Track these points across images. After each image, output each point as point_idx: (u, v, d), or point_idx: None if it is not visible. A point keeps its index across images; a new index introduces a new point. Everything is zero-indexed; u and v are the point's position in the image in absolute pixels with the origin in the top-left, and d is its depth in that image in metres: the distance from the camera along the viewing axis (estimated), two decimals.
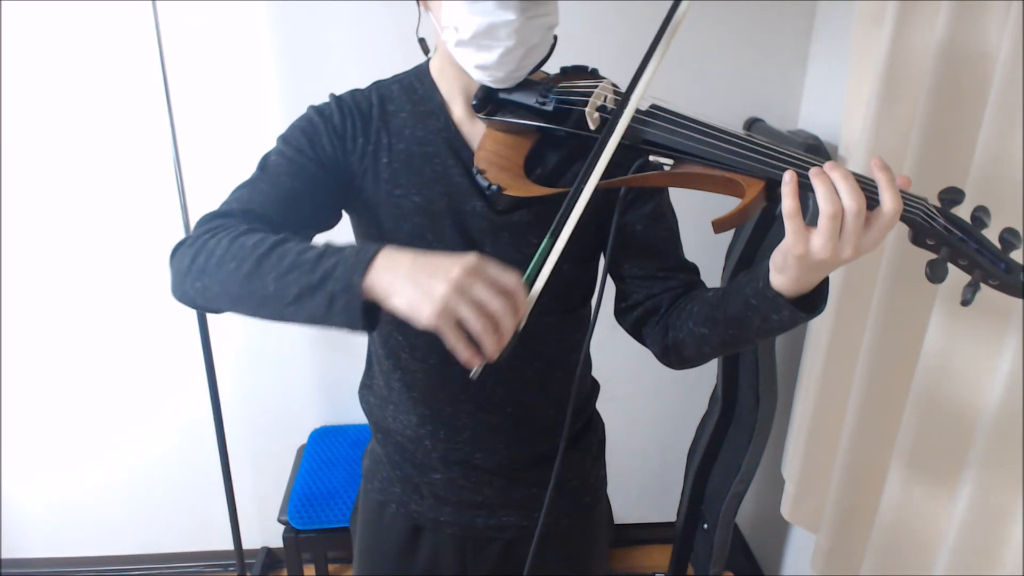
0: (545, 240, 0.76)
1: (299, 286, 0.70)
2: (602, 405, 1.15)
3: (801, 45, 1.78)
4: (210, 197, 0.89)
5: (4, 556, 2.15)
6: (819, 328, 1.50)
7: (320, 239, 0.93)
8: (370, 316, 0.69)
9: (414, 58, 0.99)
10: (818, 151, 1.57)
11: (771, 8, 1.74)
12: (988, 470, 1.07)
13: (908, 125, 1.24)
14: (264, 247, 0.73)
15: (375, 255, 0.69)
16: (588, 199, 0.76)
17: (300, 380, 2.02)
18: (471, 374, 0.71)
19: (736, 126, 1.83)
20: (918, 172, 1.18)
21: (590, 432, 1.12)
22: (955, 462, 1.16)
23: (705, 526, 1.92)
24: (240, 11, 1.65)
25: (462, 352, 0.67)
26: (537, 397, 1.02)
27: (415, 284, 0.66)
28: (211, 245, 0.76)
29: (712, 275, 1.71)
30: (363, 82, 0.98)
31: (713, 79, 1.79)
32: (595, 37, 1.69)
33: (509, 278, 0.68)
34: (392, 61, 1.00)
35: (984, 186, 1.05)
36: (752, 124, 1.79)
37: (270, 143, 0.93)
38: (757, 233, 1.67)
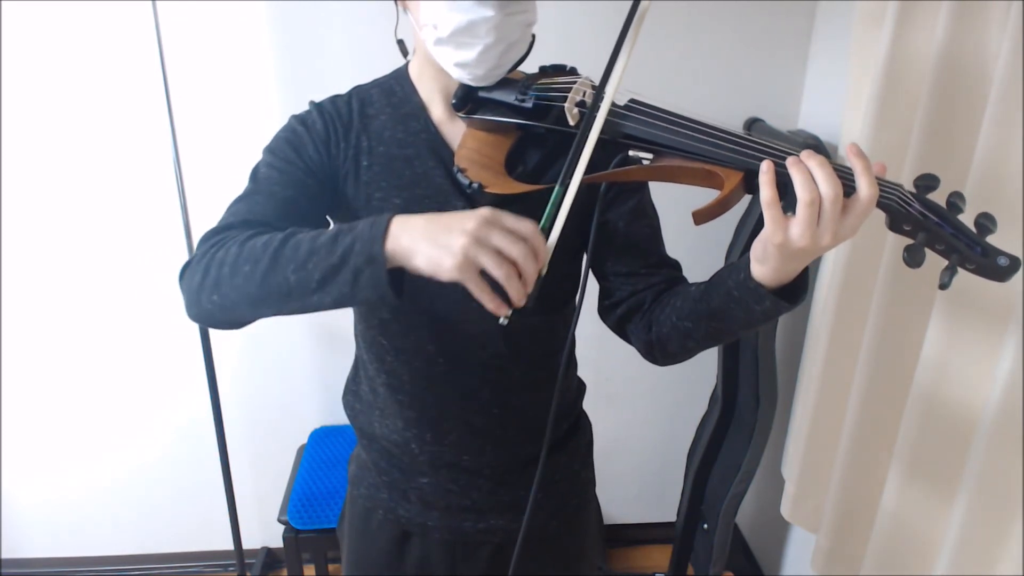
0: (556, 188, 0.76)
1: (320, 271, 0.71)
2: (601, 404, 1.15)
3: (801, 45, 1.78)
4: (210, 199, 0.90)
5: (4, 556, 2.15)
6: (819, 328, 1.50)
7: None
8: (396, 283, 0.70)
9: None
10: (818, 151, 1.56)
11: (771, 8, 1.74)
12: (988, 470, 1.07)
13: (908, 125, 1.24)
14: (276, 242, 0.74)
15: (389, 222, 0.70)
16: (578, 182, 0.76)
17: (300, 380, 2.02)
18: (500, 320, 0.71)
19: (736, 126, 1.83)
20: (918, 172, 1.17)
21: (577, 433, 1.12)
22: (955, 462, 1.16)
23: (705, 526, 1.92)
24: (240, 11, 1.65)
25: (488, 301, 0.68)
26: (523, 398, 1.01)
27: (433, 241, 0.67)
28: (220, 256, 0.76)
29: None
30: (362, 82, 0.98)
31: (713, 79, 1.79)
32: (595, 36, 1.69)
33: (525, 225, 0.69)
34: (391, 62, 1.00)
35: (984, 186, 1.05)
36: (752, 124, 1.79)
37: None
38: (757, 232, 1.66)
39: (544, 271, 0.71)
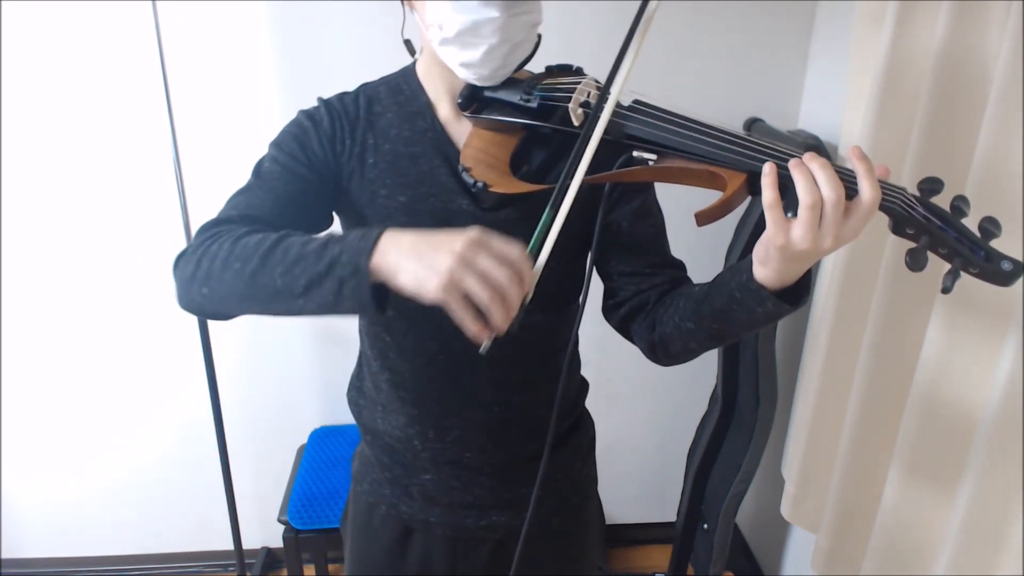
0: (546, 212, 0.75)
1: (307, 277, 0.71)
2: (602, 405, 1.15)
3: (801, 45, 1.78)
4: (210, 198, 0.90)
5: (4, 556, 2.15)
6: (819, 328, 1.50)
7: None
8: (379, 298, 0.70)
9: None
10: (818, 151, 1.56)
11: (771, 8, 1.74)
12: (988, 470, 1.07)
13: (908, 125, 1.24)
14: (267, 244, 0.74)
15: (378, 237, 0.69)
16: (577, 190, 0.76)
17: (300, 380, 2.02)
18: (481, 348, 0.70)
19: (736, 126, 1.83)
20: (918, 172, 1.18)
21: (579, 431, 1.12)
22: (955, 462, 1.16)
23: (705, 526, 1.92)
24: (240, 11, 1.65)
25: (470, 326, 0.67)
26: (525, 396, 1.02)
27: (420, 260, 0.67)
28: (214, 249, 0.77)
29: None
30: (364, 81, 0.98)
31: (713, 79, 1.79)
32: (597, 37, 1.69)
33: (513, 249, 0.68)
34: (391, 61, 1.00)
35: (984, 186, 1.05)
36: (752, 124, 1.79)
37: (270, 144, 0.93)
38: (757, 233, 1.66)
39: (529, 298, 0.70)
